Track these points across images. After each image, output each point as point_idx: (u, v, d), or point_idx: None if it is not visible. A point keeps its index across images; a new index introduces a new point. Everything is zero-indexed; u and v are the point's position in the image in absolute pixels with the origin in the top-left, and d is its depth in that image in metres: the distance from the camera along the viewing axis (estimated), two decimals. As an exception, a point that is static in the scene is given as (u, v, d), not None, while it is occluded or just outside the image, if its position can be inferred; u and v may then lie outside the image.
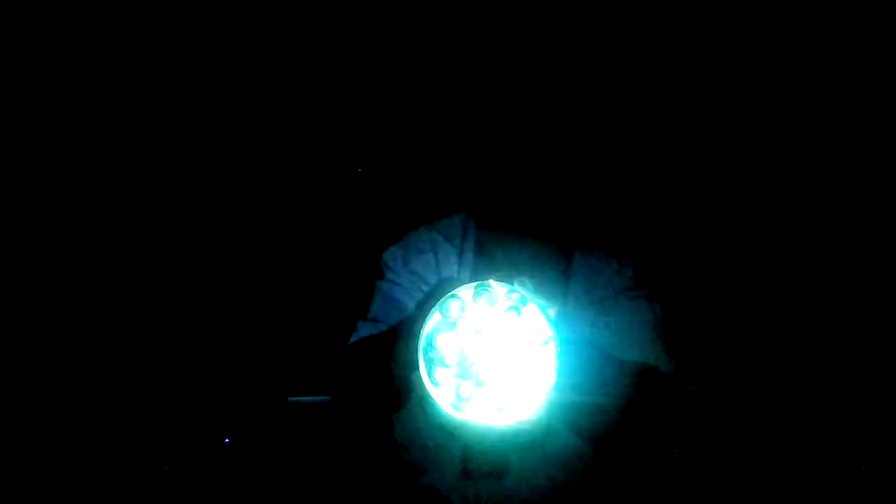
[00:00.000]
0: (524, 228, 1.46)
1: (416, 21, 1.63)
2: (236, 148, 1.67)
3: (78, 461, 1.55)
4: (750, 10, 1.57)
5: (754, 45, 1.58)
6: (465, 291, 1.28)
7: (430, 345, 1.26)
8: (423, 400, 1.26)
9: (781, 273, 1.52)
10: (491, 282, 1.27)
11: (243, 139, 1.67)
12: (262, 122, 1.68)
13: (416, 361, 1.25)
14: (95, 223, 1.65)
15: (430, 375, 1.25)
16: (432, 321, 1.27)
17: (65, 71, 1.62)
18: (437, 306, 1.27)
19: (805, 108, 1.58)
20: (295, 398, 1.59)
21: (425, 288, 1.47)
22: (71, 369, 1.59)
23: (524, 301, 1.27)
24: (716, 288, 1.51)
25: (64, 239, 1.63)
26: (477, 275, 1.43)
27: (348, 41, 1.65)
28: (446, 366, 1.26)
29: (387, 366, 1.35)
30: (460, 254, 1.49)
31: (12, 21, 1.58)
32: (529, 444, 1.31)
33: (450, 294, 1.27)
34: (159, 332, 1.63)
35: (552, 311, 1.26)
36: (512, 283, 1.27)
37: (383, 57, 1.65)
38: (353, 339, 1.51)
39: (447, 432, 1.29)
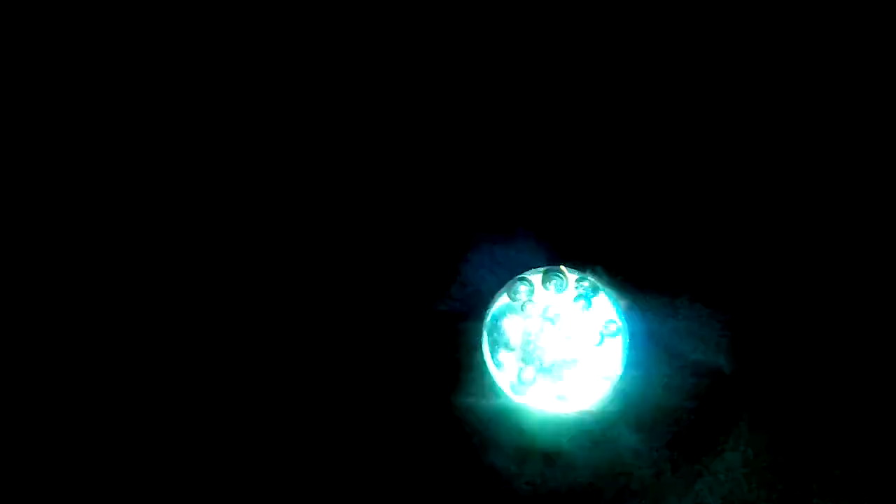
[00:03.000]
0: (598, 217, 1.44)
1: (447, 21, 1.61)
2: (285, 146, 1.68)
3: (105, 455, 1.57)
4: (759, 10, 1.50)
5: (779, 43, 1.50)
6: (535, 276, 1.27)
7: (494, 325, 1.25)
8: (484, 380, 1.26)
9: (859, 274, 1.44)
10: (562, 268, 1.26)
11: (281, 136, 1.68)
12: (293, 116, 1.68)
13: (480, 341, 1.26)
14: (112, 222, 1.68)
15: (492, 356, 1.24)
16: (499, 302, 1.26)
17: (65, 71, 1.66)
18: (504, 287, 1.26)
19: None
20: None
21: (501, 275, 1.47)
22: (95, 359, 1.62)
23: (595, 290, 1.24)
24: (793, 286, 1.44)
25: (79, 239, 1.67)
26: (547, 259, 1.41)
27: (366, 41, 1.64)
28: (510, 348, 1.25)
29: (450, 343, 1.35)
30: (536, 242, 1.47)
31: (12, 21, 1.62)
32: (589, 435, 1.30)
33: (519, 276, 1.26)
34: (187, 317, 1.64)
35: (623, 303, 1.24)
36: (584, 271, 1.25)
37: (426, 57, 1.64)
38: (430, 315, 1.51)
39: (505, 414, 1.29)
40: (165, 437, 1.55)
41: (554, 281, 1.25)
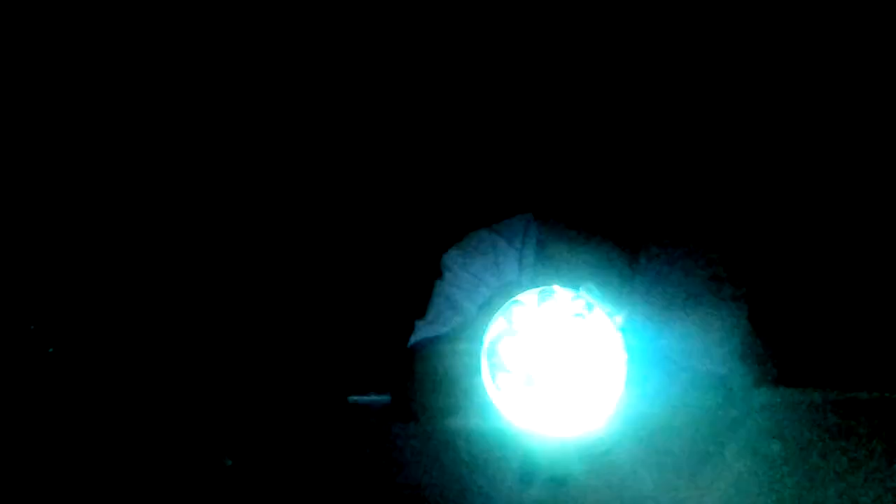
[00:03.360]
0: (588, 231, 1.42)
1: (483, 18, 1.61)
2: (287, 146, 1.67)
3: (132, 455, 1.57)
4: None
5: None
6: (529, 296, 1.24)
7: (492, 350, 1.23)
8: (485, 406, 1.24)
9: (869, 282, 1.44)
10: (556, 287, 1.24)
11: (311, 132, 1.67)
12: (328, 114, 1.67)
13: (479, 366, 1.23)
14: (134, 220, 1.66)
15: (492, 381, 1.22)
16: (495, 326, 1.24)
17: (64, 71, 1.64)
18: (500, 311, 1.24)
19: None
20: (354, 398, 1.59)
21: (486, 291, 1.45)
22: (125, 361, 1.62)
23: (590, 307, 1.22)
24: (793, 293, 1.44)
25: (100, 237, 1.66)
26: (540, 279, 1.39)
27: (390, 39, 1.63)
28: (509, 372, 1.23)
29: (448, 369, 1.33)
30: (521, 257, 1.45)
31: (12, 21, 1.61)
32: (593, 458, 1.27)
33: (513, 299, 1.24)
34: (214, 329, 1.64)
35: (619, 319, 1.22)
36: (577, 289, 1.23)
37: (438, 56, 1.63)
38: (412, 340, 1.50)
39: (508, 439, 1.27)
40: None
41: (548, 300, 1.23)
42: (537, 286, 1.24)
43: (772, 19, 1.51)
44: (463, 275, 1.48)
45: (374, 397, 1.61)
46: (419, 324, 1.50)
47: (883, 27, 1.45)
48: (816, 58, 1.50)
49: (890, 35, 1.45)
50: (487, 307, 1.35)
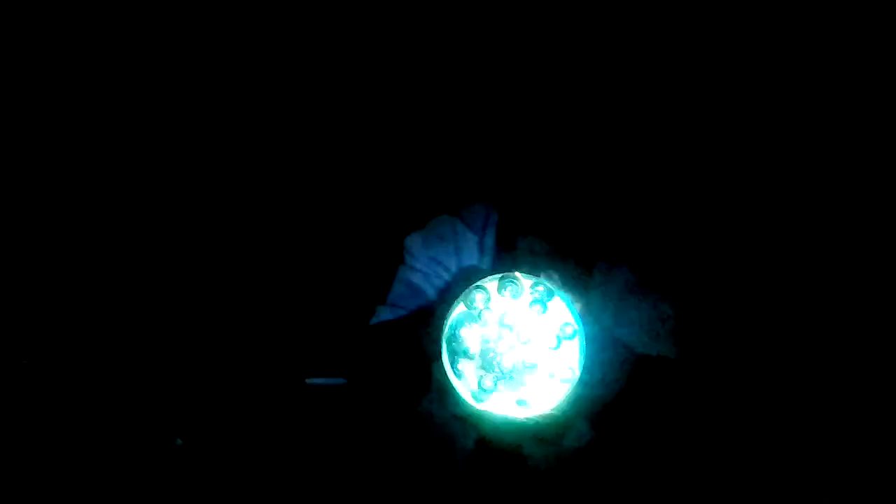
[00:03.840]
0: (549, 222, 1.45)
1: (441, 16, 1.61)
2: (253, 130, 1.66)
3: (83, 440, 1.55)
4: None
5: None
6: (490, 283, 1.27)
7: (453, 335, 1.26)
8: (444, 390, 1.26)
9: (805, 273, 1.51)
10: (517, 274, 1.27)
11: (262, 124, 1.65)
12: (283, 109, 1.66)
13: (439, 351, 1.25)
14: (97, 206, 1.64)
15: (452, 366, 1.24)
16: (456, 311, 1.26)
17: (64, 71, 1.62)
18: (461, 297, 1.27)
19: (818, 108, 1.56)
20: (311, 380, 1.59)
21: (446, 276, 1.46)
22: (74, 345, 1.59)
23: (550, 294, 1.26)
24: (738, 283, 1.50)
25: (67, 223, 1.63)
26: (500, 266, 1.42)
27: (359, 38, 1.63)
28: (469, 357, 1.26)
29: (408, 353, 1.35)
30: (482, 243, 1.48)
31: (12, 21, 1.58)
32: (549, 439, 1.31)
33: (475, 285, 1.26)
34: (169, 312, 1.62)
35: (578, 306, 1.26)
36: (538, 276, 1.26)
37: (400, 46, 1.63)
38: (372, 322, 1.51)
39: (467, 423, 1.30)
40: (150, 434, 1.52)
41: (509, 287, 1.26)
42: (498, 273, 1.27)
43: (744, 22, 1.56)
44: (424, 259, 1.49)
45: (330, 380, 1.62)
46: (380, 307, 1.51)
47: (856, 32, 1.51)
48: (789, 62, 1.55)
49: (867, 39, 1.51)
50: (448, 292, 1.37)
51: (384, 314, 1.50)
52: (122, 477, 1.52)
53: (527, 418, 1.24)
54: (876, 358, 1.44)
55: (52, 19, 1.60)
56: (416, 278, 1.50)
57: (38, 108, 1.60)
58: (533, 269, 1.27)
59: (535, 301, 1.25)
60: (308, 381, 1.62)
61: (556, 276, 1.26)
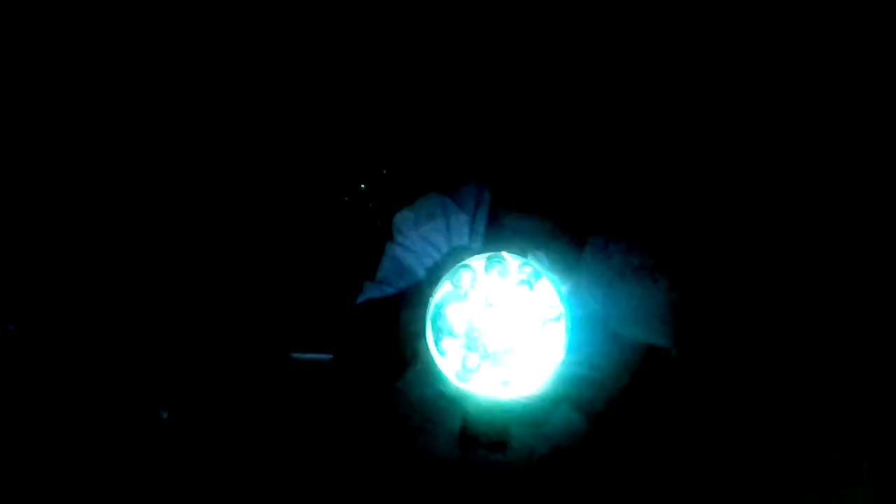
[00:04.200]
0: (539, 202, 1.44)
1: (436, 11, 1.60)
2: (242, 123, 1.65)
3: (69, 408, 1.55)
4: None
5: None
6: (478, 262, 1.26)
7: (438, 313, 1.25)
8: (428, 368, 1.26)
9: (792, 261, 1.50)
10: (504, 254, 1.26)
11: (250, 122, 1.65)
12: (270, 108, 1.65)
13: (424, 329, 1.25)
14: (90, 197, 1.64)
15: (436, 344, 1.24)
16: (442, 290, 1.25)
17: (64, 71, 1.60)
18: (448, 275, 1.25)
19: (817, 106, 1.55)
20: (297, 354, 1.58)
21: (436, 255, 1.45)
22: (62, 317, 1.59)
23: (537, 275, 1.25)
24: (727, 270, 1.49)
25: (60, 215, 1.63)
26: (490, 246, 1.41)
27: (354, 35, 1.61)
28: (454, 335, 1.25)
29: (393, 331, 1.34)
30: (473, 223, 1.46)
31: (12, 21, 1.56)
32: (532, 419, 1.31)
33: (462, 263, 1.25)
34: (158, 288, 1.62)
35: (564, 288, 1.25)
36: (525, 257, 1.25)
37: (393, 39, 1.61)
38: (359, 299, 1.49)
39: (450, 402, 1.29)
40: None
41: (496, 267, 1.25)
42: (486, 252, 1.26)
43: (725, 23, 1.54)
44: (413, 237, 1.48)
45: (316, 355, 1.61)
46: (367, 284, 1.50)
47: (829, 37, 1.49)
48: (773, 61, 1.54)
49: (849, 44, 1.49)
50: (436, 271, 1.36)
51: (372, 291, 1.49)
52: (105, 450, 1.52)
53: (511, 399, 1.23)
54: (874, 355, 1.44)
55: (52, 19, 1.59)
56: (405, 256, 1.49)
57: (39, 108, 1.60)
58: (521, 250, 1.26)
59: (521, 281, 1.24)
60: (294, 355, 1.62)
61: (544, 257, 1.25)
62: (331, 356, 1.55)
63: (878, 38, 1.52)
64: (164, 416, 1.56)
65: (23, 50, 1.59)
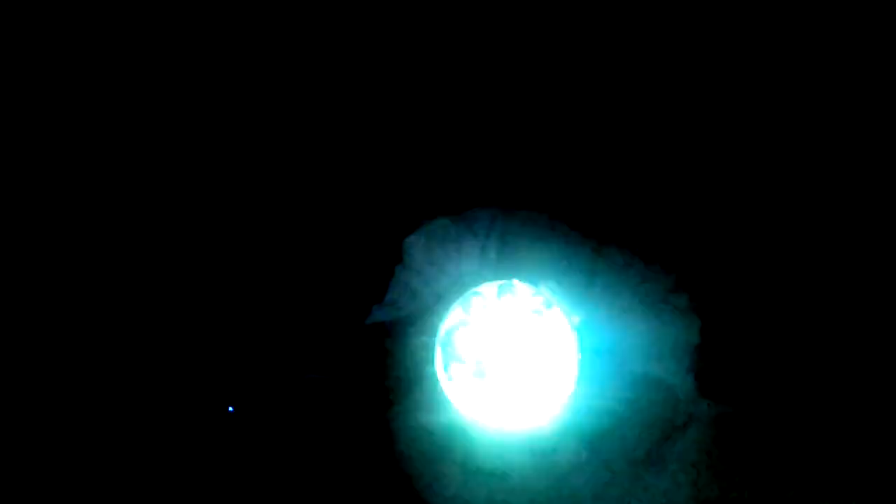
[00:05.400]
0: (552, 231, 1.43)
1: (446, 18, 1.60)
2: (249, 131, 1.65)
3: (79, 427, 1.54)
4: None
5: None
6: (488, 289, 1.25)
7: (447, 339, 1.23)
8: (434, 395, 1.24)
9: (815, 291, 1.47)
10: (515, 281, 1.24)
11: (258, 126, 1.65)
12: (278, 111, 1.66)
13: (432, 355, 1.23)
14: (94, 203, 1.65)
15: (444, 370, 1.22)
16: (452, 316, 1.24)
17: (65, 71, 1.62)
18: (458, 301, 1.24)
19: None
20: (310, 375, 1.57)
21: (446, 280, 1.44)
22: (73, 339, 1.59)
23: (548, 304, 1.23)
24: (743, 302, 1.46)
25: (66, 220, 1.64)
26: (501, 273, 1.39)
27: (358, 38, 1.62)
28: (462, 362, 1.23)
29: (400, 355, 1.32)
30: (484, 249, 1.45)
31: (12, 21, 1.58)
32: (539, 453, 1.28)
33: (472, 290, 1.24)
34: (164, 306, 1.62)
35: (576, 318, 1.23)
36: (537, 285, 1.23)
37: (407, 54, 1.62)
38: (367, 321, 1.48)
39: (455, 431, 1.27)
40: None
41: (507, 294, 1.24)
42: (498, 279, 1.24)
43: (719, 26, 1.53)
44: (423, 262, 1.47)
45: (323, 375, 1.60)
46: (376, 307, 1.49)
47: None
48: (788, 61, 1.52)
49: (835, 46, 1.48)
50: (446, 296, 1.34)
51: (380, 314, 1.47)
52: (112, 464, 1.51)
53: (518, 430, 1.21)
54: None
55: (52, 19, 1.60)
56: (415, 280, 1.47)
57: (38, 108, 1.60)
58: (533, 278, 1.24)
59: (532, 310, 1.22)
60: (307, 376, 1.60)
61: (556, 287, 1.23)
62: (336, 377, 1.53)
63: (878, 38, 1.50)
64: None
65: (23, 50, 1.60)
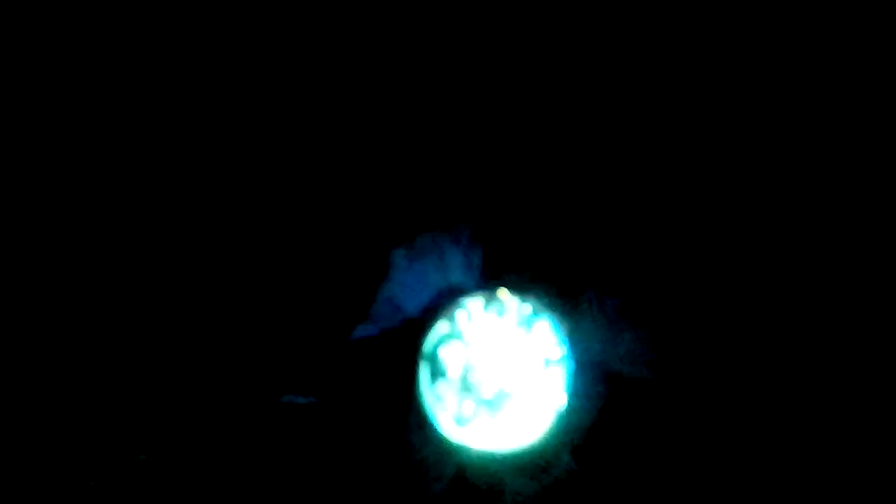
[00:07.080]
0: (539, 242, 1.40)
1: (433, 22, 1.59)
2: (233, 146, 1.63)
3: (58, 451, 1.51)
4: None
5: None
6: (474, 301, 1.21)
7: (432, 355, 1.19)
8: (422, 414, 1.19)
9: (798, 301, 1.46)
10: (502, 292, 1.20)
11: (242, 138, 1.63)
12: (263, 121, 1.64)
13: (417, 372, 1.19)
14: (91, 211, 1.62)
15: (430, 388, 1.18)
16: (437, 330, 1.20)
17: (65, 71, 1.61)
18: (443, 315, 1.20)
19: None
20: (287, 397, 1.53)
21: (431, 293, 1.40)
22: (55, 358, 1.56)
23: (536, 316, 1.19)
24: (728, 312, 1.45)
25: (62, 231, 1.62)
26: (487, 284, 1.36)
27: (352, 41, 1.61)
28: (449, 379, 1.19)
29: (385, 373, 1.28)
30: (469, 260, 1.42)
31: (12, 21, 1.57)
32: (530, 469, 1.24)
33: (458, 303, 1.20)
34: (149, 328, 1.59)
35: (564, 329, 1.19)
36: (524, 296, 1.19)
37: (389, 58, 1.61)
38: (353, 337, 1.44)
39: (444, 450, 1.22)
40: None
41: (494, 306, 1.20)
42: (484, 291, 1.20)
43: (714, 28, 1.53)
44: (408, 275, 1.43)
45: (305, 398, 1.56)
46: (360, 323, 1.45)
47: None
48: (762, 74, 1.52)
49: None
50: (431, 310, 1.31)
51: (365, 330, 1.44)
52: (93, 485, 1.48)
53: (508, 449, 1.17)
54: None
55: (52, 19, 1.59)
56: (400, 294, 1.44)
57: (39, 108, 1.59)
58: (519, 289, 1.20)
59: (520, 322, 1.19)
60: (284, 398, 1.56)
61: (542, 297, 1.19)
62: (319, 399, 1.49)
63: (878, 39, 1.50)
64: (143, 458, 1.51)
65: (23, 50, 1.58)
